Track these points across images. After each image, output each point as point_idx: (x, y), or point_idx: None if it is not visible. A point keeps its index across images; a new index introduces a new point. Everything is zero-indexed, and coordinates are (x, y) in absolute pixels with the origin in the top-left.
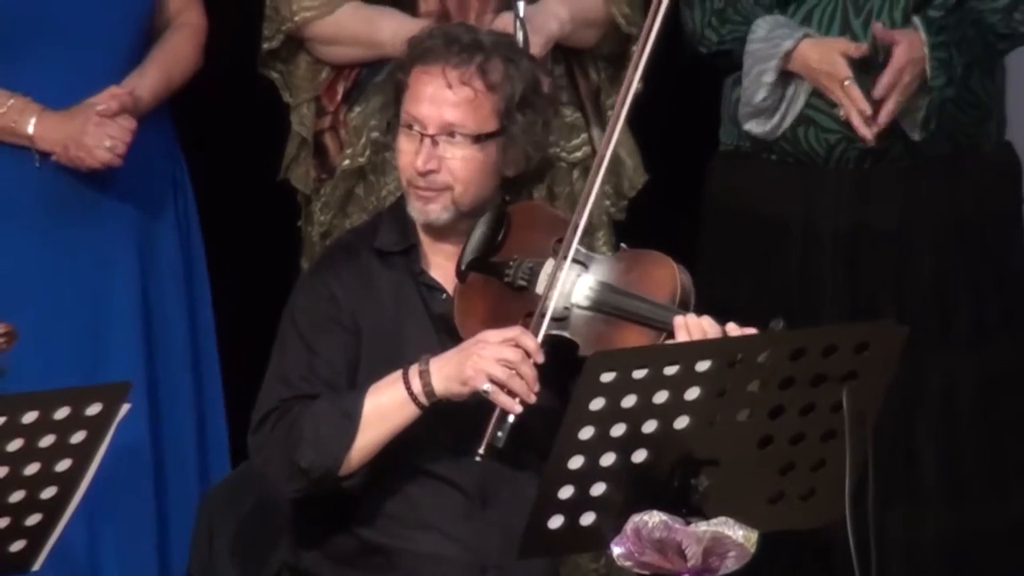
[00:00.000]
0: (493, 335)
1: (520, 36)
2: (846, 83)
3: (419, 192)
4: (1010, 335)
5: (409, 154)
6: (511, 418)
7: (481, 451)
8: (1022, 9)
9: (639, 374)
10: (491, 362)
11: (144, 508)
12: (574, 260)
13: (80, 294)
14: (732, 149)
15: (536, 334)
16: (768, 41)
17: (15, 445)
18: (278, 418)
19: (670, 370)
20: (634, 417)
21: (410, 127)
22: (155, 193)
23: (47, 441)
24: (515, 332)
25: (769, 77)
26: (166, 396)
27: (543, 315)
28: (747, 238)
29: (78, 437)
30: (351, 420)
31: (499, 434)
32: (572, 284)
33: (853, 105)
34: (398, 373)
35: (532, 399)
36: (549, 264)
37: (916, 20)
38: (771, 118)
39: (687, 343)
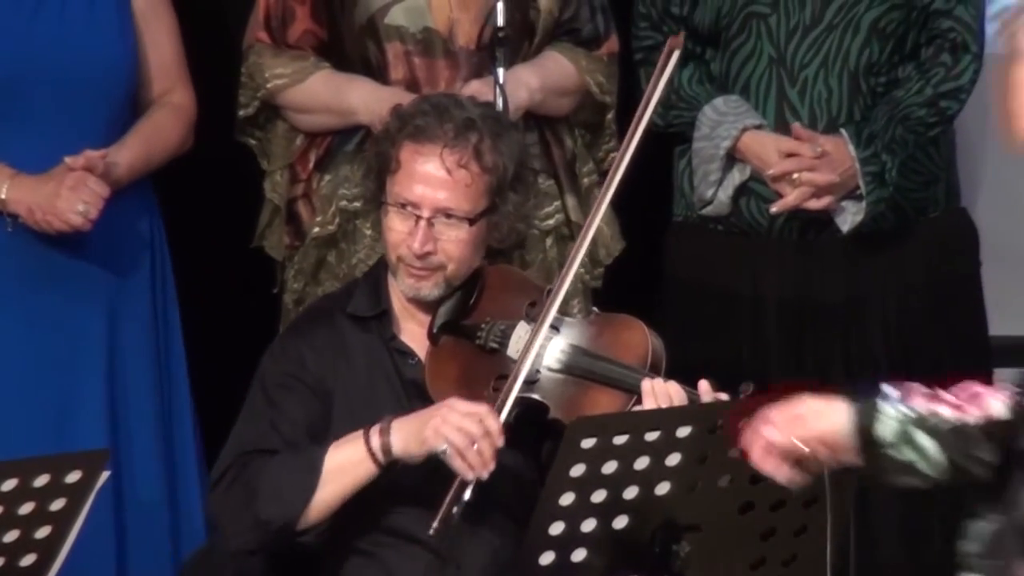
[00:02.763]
0: (461, 404)
1: (500, 104)
2: (770, 172)
3: (412, 271)
4: None
5: (401, 233)
6: (467, 496)
7: (435, 526)
8: (947, 94)
9: (620, 440)
10: (452, 428)
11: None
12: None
13: (48, 363)
14: (682, 220)
15: (507, 397)
16: (711, 140)
17: None
18: (236, 473)
19: (651, 436)
20: (615, 483)
21: (403, 207)
22: (130, 261)
23: (26, 508)
24: (482, 409)
25: (715, 176)
26: (129, 466)
27: (516, 378)
28: (699, 308)
29: (57, 504)
30: (312, 473)
31: (454, 510)
32: (544, 347)
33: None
34: (361, 431)
35: (485, 475)
36: (521, 327)
37: (843, 132)
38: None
39: (668, 409)
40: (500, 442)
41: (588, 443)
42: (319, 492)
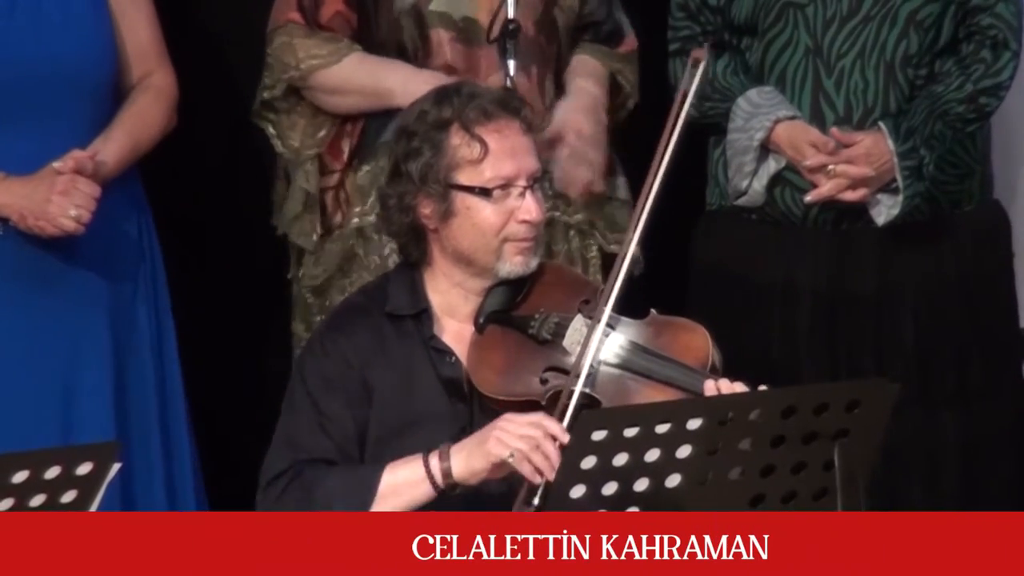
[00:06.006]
0: (518, 416)
1: None
2: (806, 163)
3: (522, 247)
4: (993, 397)
5: (502, 213)
6: (536, 501)
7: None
8: (987, 91)
9: (630, 432)
10: (514, 436)
11: None
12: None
13: (51, 364)
14: (715, 209)
15: (573, 388)
16: (745, 132)
17: (5, 505)
18: (289, 480)
19: (661, 428)
20: (626, 475)
21: (503, 188)
22: (123, 256)
23: (37, 500)
24: (540, 416)
25: (749, 167)
26: (139, 462)
27: (578, 374)
28: (729, 297)
29: (69, 496)
30: (367, 491)
31: (534, 502)
32: (600, 343)
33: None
34: (419, 454)
35: (552, 476)
36: (578, 320)
37: (882, 126)
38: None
39: (678, 401)
40: (565, 439)
41: (599, 435)
42: (373, 510)
